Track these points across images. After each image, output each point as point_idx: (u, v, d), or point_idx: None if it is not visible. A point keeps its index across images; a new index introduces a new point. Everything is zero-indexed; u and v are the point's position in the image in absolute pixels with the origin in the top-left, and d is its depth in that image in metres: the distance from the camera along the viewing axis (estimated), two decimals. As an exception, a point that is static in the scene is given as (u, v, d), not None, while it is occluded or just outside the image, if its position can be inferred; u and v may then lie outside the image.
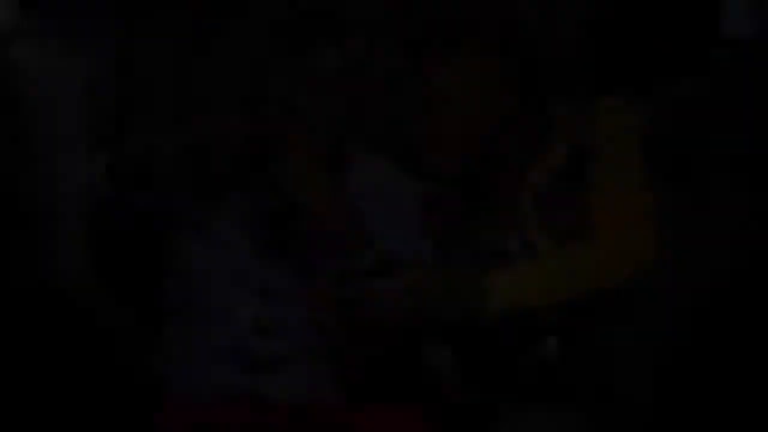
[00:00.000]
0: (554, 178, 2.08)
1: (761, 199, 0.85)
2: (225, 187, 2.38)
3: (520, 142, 2.12)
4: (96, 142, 2.18)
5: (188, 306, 2.36)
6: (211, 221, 2.37)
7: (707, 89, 2.50)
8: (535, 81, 2.15)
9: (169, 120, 2.45)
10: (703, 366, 0.77)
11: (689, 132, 2.44)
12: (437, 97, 2.13)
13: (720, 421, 0.78)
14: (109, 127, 2.65)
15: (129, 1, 2.72)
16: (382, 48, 2.56)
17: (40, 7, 1.62)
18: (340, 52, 2.29)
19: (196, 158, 2.24)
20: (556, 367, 1.99)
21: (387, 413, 2.14)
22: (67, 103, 1.59)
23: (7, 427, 0.78)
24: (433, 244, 2.26)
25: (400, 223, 2.36)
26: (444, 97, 2.13)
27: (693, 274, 0.79)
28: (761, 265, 0.79)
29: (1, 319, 0.85)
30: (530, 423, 1.94)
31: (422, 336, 2.12)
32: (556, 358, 1.98)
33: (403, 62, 2.25)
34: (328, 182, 2.19)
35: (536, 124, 2.12)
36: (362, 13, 2.65)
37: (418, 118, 2.16)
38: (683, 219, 1.92)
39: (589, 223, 1.99)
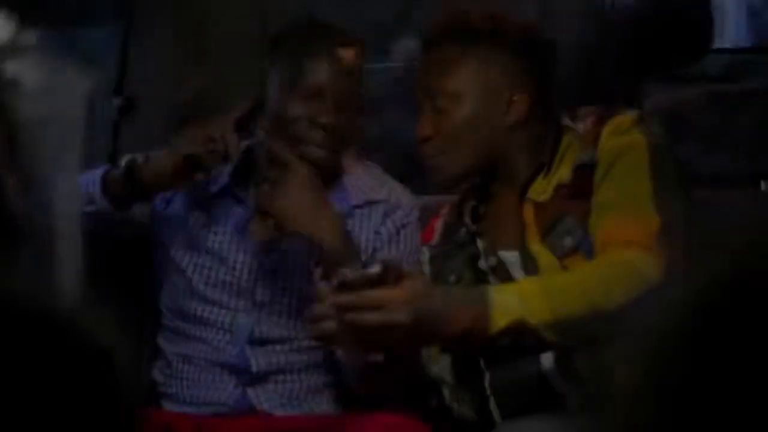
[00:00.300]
0: (558, 193, 2.05)
1: (760, 210, 0.85)
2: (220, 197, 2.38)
3: (525, 153, 2.09)
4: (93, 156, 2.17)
5: (183, 318, 2.36)
6: (206, 232, 2.37)
7: (704, 98, 2.49)
8: (547, 87, 2.12)
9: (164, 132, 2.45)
10: (702, 381, 0.77)
11: (686, 141, 2.43)
12: (444, 97, 2.10)
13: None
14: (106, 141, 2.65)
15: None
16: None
17: (38, 22, 1.61)
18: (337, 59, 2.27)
19: (191, 166, 2.23)
20: (553, 381, 1.98)
21: (385, 423, 2.14)
22: (65, 118, 1.58)
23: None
24: (430, 253, 2.24)
25: (394, 233, 2.35)
26: (451, 98, 2.10)
27: (694, 288, 0.79)
28: (760, 281, 0.79)
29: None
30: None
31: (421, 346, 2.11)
32: (553, 372, 1.97)
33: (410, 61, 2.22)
34: (323, 200, 2.17)
35: (543, 135, 2.09)
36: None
37: (420, 117, 2.14)
38: (683, 232, 1.90)
39: (593, 240, 1.96)
